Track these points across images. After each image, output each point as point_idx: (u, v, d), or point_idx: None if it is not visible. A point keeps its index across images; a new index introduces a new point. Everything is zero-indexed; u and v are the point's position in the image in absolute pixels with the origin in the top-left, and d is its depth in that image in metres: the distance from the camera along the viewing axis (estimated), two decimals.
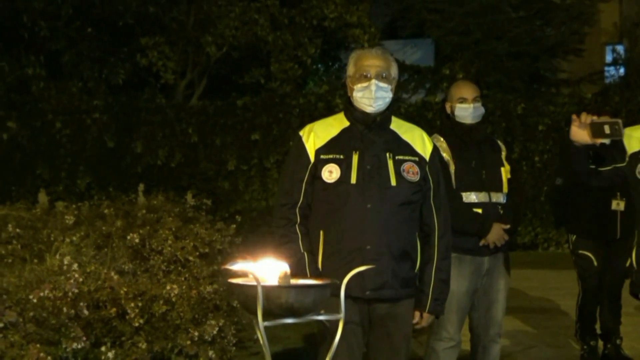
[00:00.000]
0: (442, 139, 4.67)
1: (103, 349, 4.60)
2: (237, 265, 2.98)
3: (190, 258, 6.20)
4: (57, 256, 5.46)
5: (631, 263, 3.91)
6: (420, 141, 3.81)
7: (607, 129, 3.64)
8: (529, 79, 15.98)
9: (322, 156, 3.68)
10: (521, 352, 6.53)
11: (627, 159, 3.81)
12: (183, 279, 5.54)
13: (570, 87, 16.15)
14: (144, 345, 4.72)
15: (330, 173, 3.66)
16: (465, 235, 4.50)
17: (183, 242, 6.36)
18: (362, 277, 3.44)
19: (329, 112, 11.70)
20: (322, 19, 15.18)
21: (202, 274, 5.84)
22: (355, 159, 3.67)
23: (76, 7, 14.57)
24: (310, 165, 3.69)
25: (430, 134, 4.06)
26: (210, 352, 4.95)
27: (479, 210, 4.61)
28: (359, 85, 3.72)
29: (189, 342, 4.86)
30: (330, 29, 15.40)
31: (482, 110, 4.71)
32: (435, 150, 3.89)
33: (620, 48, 17.88)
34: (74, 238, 6.11)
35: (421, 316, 3.78)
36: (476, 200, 4.61)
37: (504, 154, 4.79)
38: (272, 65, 15.09)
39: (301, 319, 2.98)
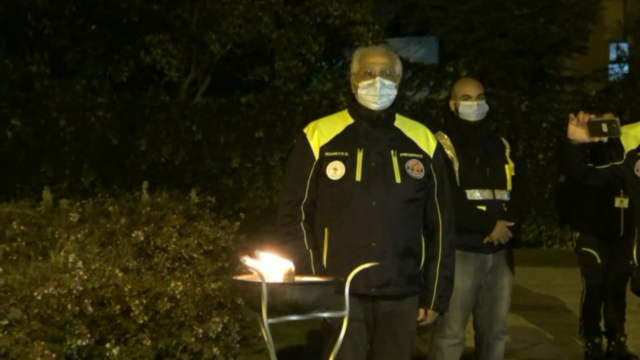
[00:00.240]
0: (446, 137, 4.67)
1: (107, 346, 4.60)
2: (250, 262, 2.97)
3: (195, 255, 6.20)
4: (62, 253, 5.47)
5: (633, 260, 3.90)
6: (424, 138, 3.81)
7: (604, 127, 3.63)
8: (533, 77, 15.95)
9: (326, 153, 3.68)
10: (525, 349, 6.53)
11: (624, 157, 3.81)
12: (187, 276, 5.54)
13: (574, 84, 16.11)
14: (148, 343, 4.72)
15: (335, 170, 3.66)
16: (469, 232, 4.50)
17: (187, 239, 6.36)
18: (367, 274, 3.43)
19: (333, 109, 11.66)
20: (326, 17, 15.15)
21: (207, 272, 5.84)
22: (360, 156, 3.67)
23: (80, 5, 14.56)
24: (315, 163, 3.69)
25: (434, 131, 4.05)
26: (215, 350, 4.95)
27: (483, 208, 4.61)
28: (364, 83, 3.71)
29: (193, 339, 4.87)
30: (334, 26, 15.38)
31: (486, 107, 4.71)
32: (439, 148, 3.89)
33: (624, 45, 17.87)
34: (79, 235, 6.12)
35: (425, 313, 3.79)
36: (480, 198, 4.61)
37: (508, 151, 4.78)
38: (276, 62, 15.08)
39: (306, 316, 2.98)
